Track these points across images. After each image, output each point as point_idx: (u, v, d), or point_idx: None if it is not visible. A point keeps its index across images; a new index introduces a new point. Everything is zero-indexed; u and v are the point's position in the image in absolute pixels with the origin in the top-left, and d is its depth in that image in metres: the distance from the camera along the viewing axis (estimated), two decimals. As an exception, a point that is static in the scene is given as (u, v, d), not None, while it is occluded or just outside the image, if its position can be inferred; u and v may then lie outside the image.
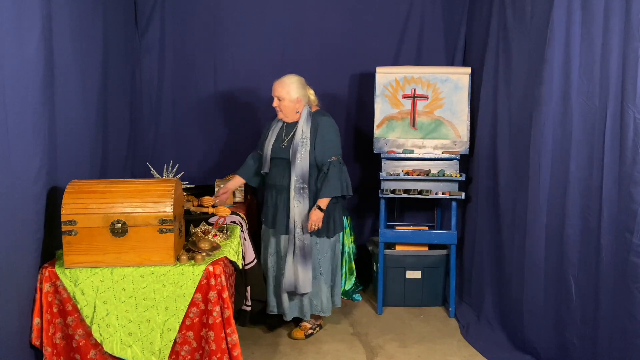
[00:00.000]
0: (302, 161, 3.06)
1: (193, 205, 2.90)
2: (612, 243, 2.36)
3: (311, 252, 3.15)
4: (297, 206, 3.08)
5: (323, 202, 3.07)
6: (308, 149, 3.07)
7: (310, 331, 3.37)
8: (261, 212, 3.45)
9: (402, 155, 3.74)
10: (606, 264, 2.39)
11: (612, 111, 2.34)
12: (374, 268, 3.95)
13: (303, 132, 3.09)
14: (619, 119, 2.30)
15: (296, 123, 3.14)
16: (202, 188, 3.65)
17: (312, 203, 3.11)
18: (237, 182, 3.33)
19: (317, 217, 3.07)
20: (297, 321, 3.42)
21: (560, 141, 2.70)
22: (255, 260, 3.13)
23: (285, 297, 3.23)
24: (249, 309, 3.09)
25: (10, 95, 2.13)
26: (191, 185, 3.38)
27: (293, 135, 3.11)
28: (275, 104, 3.13)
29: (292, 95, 3.09)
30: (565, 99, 2.65)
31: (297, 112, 3.13)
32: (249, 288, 3.05)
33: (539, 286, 2.87)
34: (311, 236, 3.16)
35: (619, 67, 2.30)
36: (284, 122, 3.20)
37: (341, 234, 3.61)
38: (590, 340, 2.52)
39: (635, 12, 2.19)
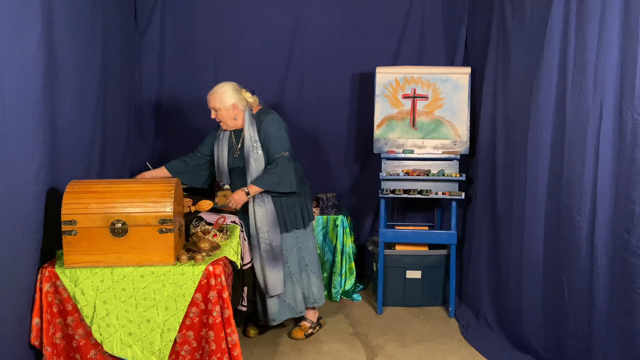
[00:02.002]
0: (257, 164, 3.02)
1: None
2: (608, 243, 2.36)
3: (281, 252, 3.10)
4: (258, 210, 3.04)
5: (252, 189, 2.99)
6: (260, 151, 3.03)
7: (310, 331, 3.37)
8: None
9: (402, 155, 3.74)
10: (601, 263, 2.39)
11: (609, 111, 2.33)
12: (374, 268, 3.95)
13: (251, 136, 3.04)
14: (616, 120, 2.30)
15: (242, 130, 3.10)
16: (202, 188, 3.64)
17: (277, 201, 3.08)
18: (161, 172, 3.15)
19: (239, 197, 2.99)
20: (297, 320, 3.43)
21: (558, 141, 2.70)
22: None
23: (272, 301, 3.17)
24: (245, 309, 3.07)
25: (10, 96, 2.13)
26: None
27: (243, 142, 3.07)
28: (213, 115, 3.07)
29: (226, 103, 3.02)
30: (562, 100, 2.65)
31: (234, 119, 3.06)
32: (245, 289, 3.04)
33: (537, 286, 2.87)
34: (288, 232, 3.14)
35: (617, 68, 2.29)
36: (230, 131, 3.15)
37: (317, 226, 3.62)
38: (585, 340, 2.52)
39: (634, 13, 2.19)
